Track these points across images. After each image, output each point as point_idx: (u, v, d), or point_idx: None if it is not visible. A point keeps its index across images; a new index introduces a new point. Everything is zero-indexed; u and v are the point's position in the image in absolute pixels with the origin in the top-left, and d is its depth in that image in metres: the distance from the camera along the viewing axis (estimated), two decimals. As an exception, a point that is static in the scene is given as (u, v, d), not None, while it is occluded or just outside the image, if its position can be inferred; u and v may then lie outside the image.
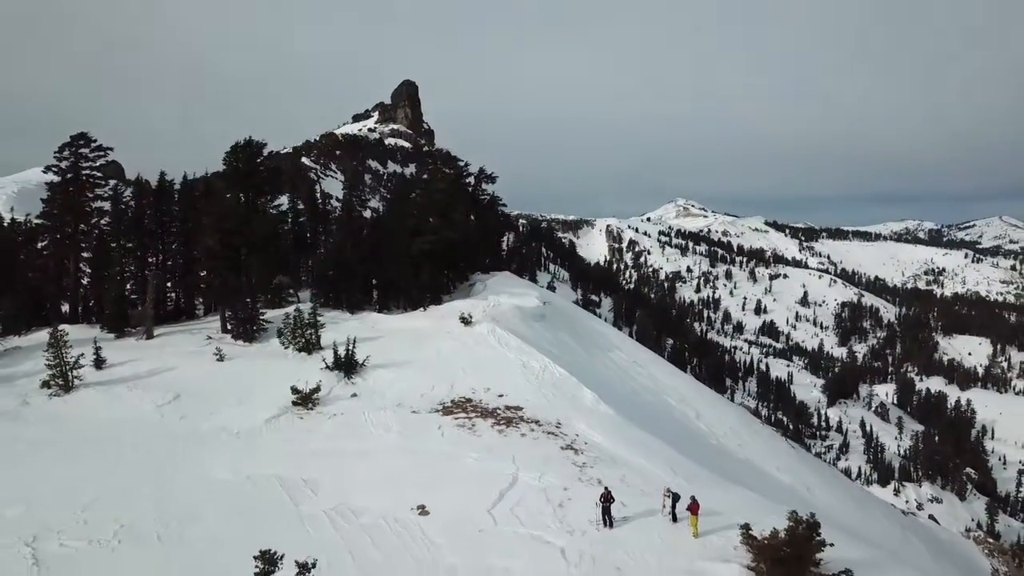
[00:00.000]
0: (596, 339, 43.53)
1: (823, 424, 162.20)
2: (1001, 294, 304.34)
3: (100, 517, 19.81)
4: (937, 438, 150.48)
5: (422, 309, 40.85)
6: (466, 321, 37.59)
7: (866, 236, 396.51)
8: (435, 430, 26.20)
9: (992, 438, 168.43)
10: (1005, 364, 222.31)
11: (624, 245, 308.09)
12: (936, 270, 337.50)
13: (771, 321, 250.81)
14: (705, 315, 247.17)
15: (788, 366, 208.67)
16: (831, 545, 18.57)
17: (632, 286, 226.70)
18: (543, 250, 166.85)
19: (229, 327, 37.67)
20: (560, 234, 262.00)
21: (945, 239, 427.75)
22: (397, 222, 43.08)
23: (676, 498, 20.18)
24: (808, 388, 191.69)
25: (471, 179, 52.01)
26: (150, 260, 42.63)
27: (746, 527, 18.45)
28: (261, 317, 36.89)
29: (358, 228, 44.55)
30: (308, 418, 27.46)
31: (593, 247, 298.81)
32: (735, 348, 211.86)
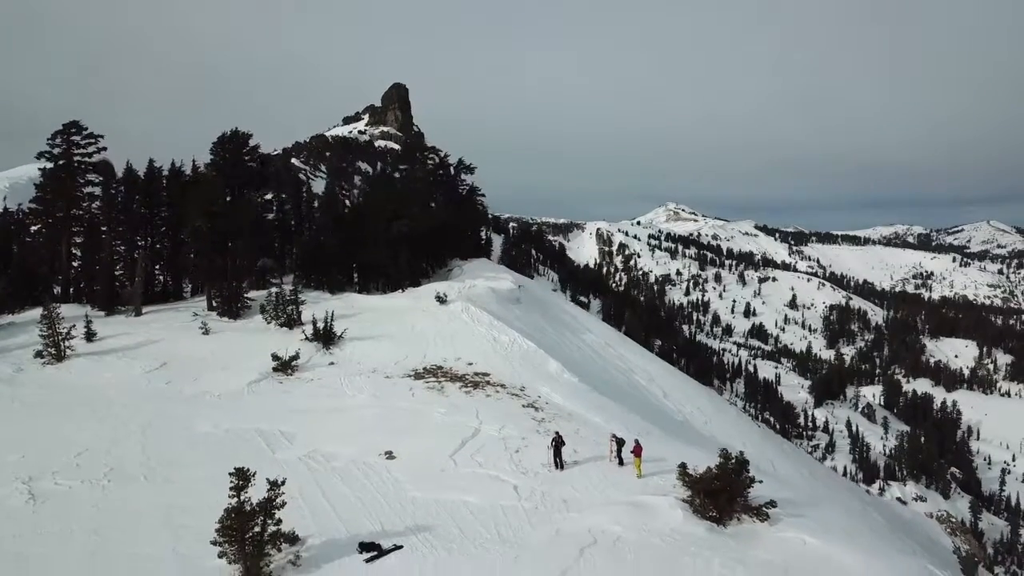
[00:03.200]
0: (568, 321, 45.36)
1: (810, 424, 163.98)
2: (988, 297, 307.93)
3: (91, 461, 21.47)
4: (923, 438, 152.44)
5: (400, 291, 42.61)
6: (441, 300, 39.37)
7: (855, 240, 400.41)
8: (406, 391, 27.97)
9: (977, 439, 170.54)
10: (991, 366, 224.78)
11: (614, 248, 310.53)
12: (924, 274, 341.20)
13: (760, 323, 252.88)
14: (694, 317, 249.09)
15: (776, 368, 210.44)
16: (759, 482, 20.41)
17: (622, 288, 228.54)
18: (533, 252, 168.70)
19: (215, 304, 39.31)
20: (551, 237, 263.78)
21: (934, 243, 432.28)
22: (377, 207, 44.82)
23: (621, 443, 21.99)
24: (796, 389, 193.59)
25: (451, 169, 53.87)
26: (139, 243, 44.26)
27: (683, 465, 20.23)
28: (245, 295, 38.57)
29: (340, 213, 46.19)
30: (287, 383, 29.17)
31: (583, 250, 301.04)
32: (724, 350, 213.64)
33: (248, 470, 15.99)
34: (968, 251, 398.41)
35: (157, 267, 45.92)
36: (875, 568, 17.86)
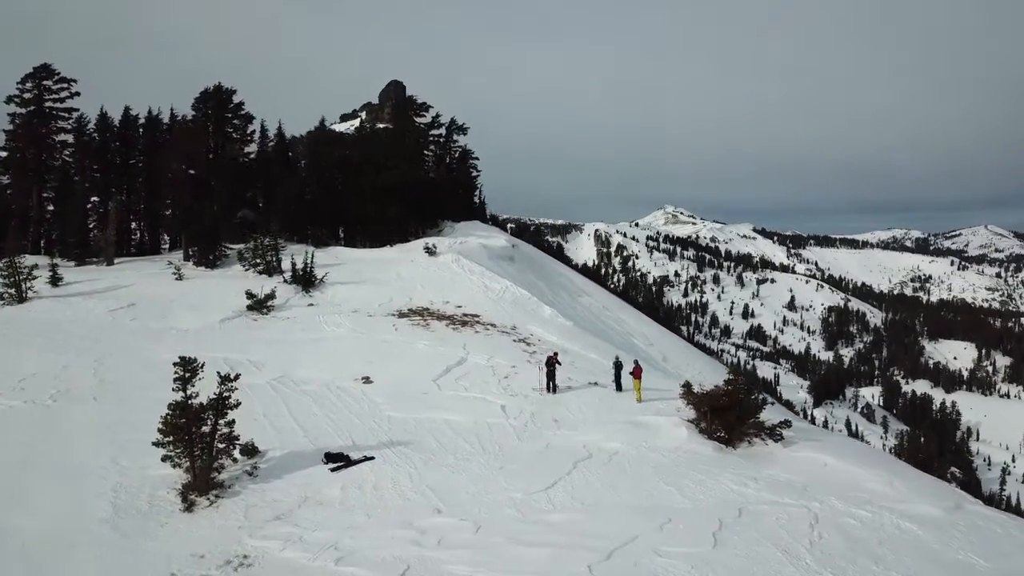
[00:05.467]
0: (564, 283, 43.44)
1: (809, 423, 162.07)
2: (987, 301, 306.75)
3: (39, 384, 19.58)
4: (922, 438, 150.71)
5: (388, 246, 40.66)
6: (430, 251, 37.46)
7: (853, 244, 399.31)
8: (389, 327, 26.09)
9: (977, 439, 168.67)
10: (990, 368, 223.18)
11: (612, 249, 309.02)
12: (922, 277, 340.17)
13: (758, 325, 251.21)
14: (693, 319, 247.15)
15: (775, 369, 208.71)
16: (771, 404, 18.54)
17: (620, 289, 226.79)
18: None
19: (191, 254, 37.38)
20: (549, 238, 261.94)
21: (932, 247, 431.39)
22: (365, 157, 42.87)
23: (620, 366, 20.10)
24: (795, 390, 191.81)
25: (443, 129, 52.03)
26: (113, 192, 42.17)
27: (687, 384, 18.37)
28: (224, 245, 36.67)
29: (325, 163, 44.24)
30: (261, 320, 27.24)
31: (581, 251, 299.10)
32: (722, 351, 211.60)
33: (194, 359, 14.11)
34: (966, 255, 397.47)
35: (134, 220, 43.85)
36: (899, 489, 16.01)
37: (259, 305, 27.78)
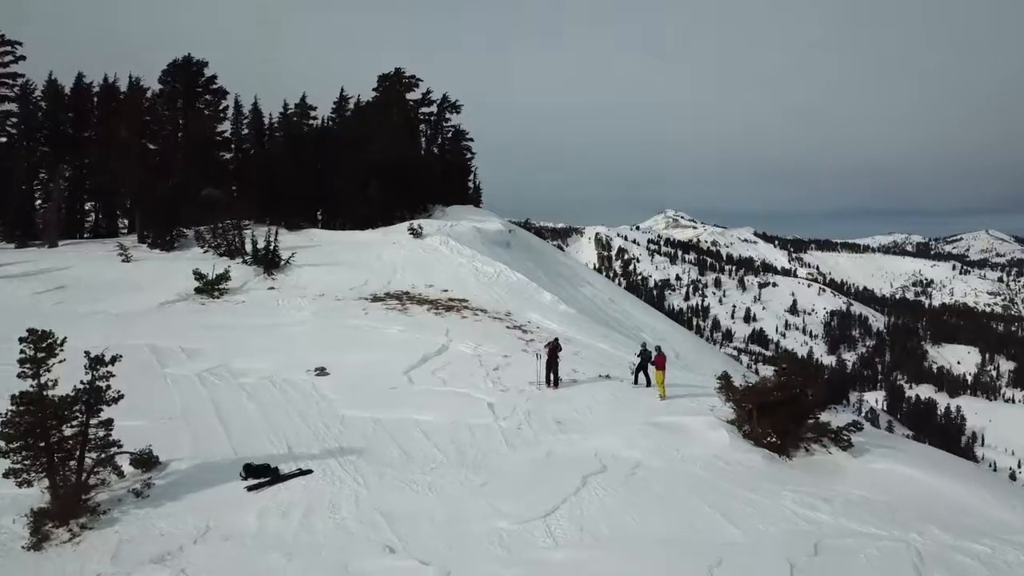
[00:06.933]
0: (565, 272, 39.28)
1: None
2: (989, 305, 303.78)
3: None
4: (927, 443, 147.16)
5: (371, 229, 36.50)
6: (416, 232, 33.38)
7: (855, 248, 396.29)
8: (358, 312, 22.06)
9: (982, 445, 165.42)
10: (994, 372, 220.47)
11: (613, 253, 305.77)
12: (924, 281, 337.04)
13: (760, 329, 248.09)
14: (694, 323, 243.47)
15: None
16: (831, 407, 14.59)
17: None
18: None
19: (146, 235, 33.31)
20: (549, 241, 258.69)
21: (933, 252, 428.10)
22: (346, 130, 38.73)
23: (648, 356, 15.96)
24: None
25: (434, 107, 47.82)
26: (65, 168, 37.86)
27: (725, 375, 14.38)
28: (183, 226, 32.62)
29: (300, 135, 40.17)
30: (211, 304, 23.23)
31: (582, 254, 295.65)
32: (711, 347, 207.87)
33: (49, 333, 10.14)
34: (967, 260, 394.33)
35: (90, 201, 39.53)
36: (992, 504, 12.09)
37: (210, 287, 23.76)
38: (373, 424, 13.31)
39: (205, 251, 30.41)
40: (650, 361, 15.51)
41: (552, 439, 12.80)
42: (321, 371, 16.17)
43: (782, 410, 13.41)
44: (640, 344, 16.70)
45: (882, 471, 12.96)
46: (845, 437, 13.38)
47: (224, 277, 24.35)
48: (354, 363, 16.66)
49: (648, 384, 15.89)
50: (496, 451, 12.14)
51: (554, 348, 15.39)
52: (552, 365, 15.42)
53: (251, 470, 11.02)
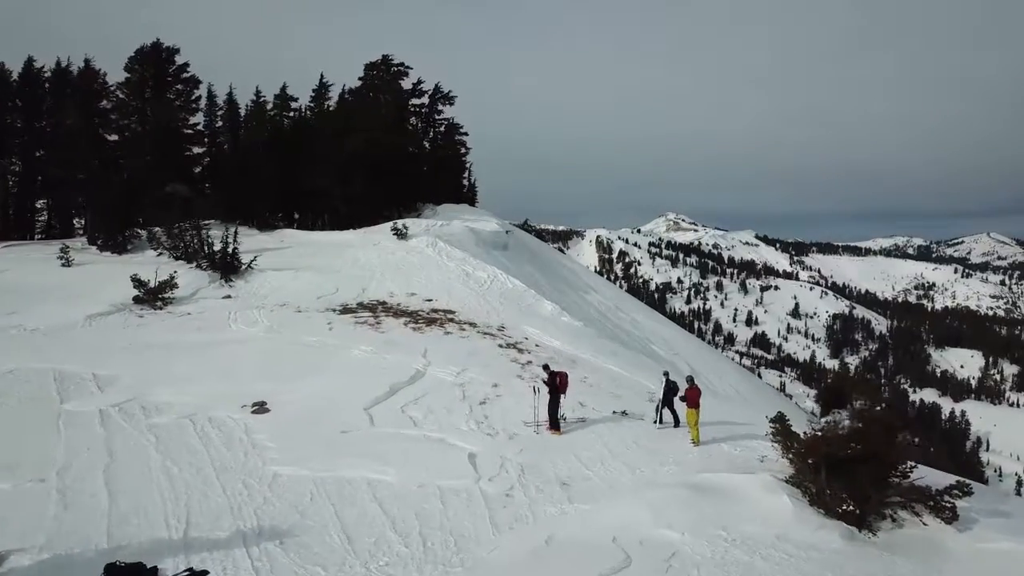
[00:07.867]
0: (567, 276, 35.93)
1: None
2: (991, 308, 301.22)
3: None
4: (932, 448, 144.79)
5: (352, 229, 32.96)
6: (400, 233, 29.89)
7: (856, 251, 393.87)
8: (322, 326, 18.65)
9: (987, 449, 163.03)
10: (998, 376, 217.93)
11: (614, 255, 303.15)
12: (926, 285, 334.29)
13: (762, 332, 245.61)
14: (696, 326, 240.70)
15: (780, 376, 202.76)
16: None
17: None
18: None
19: (97, 236, 29.81)
20: (550, 244, 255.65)
21: (934, 255, 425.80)
22: (326, 119, 35.15)
23: (674, 390, 12.50)
24: (801, 398, 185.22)
25: (425, 99, 44.15)
26: (12, 163, 34.19)
27: (781, 417, 10.92)
28: (140, 227, 29.13)
29: (274, 126, 36.63)
30: (150, 316, 19.77)
31: (582, 257, 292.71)
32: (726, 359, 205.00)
33: None
34: (969, 263, 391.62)
35: (43, 199, 35.83)
36: None
37: (152, 296, 20.33)
38: (312, 487, 9.86)
39: (159, 254, 26.95)
40: (677, 395, 12.06)
41: (555, 512, 9.34)
42: (260, 407, 12.71)
43: (863, 469, 9.98)
44: (663, 374, 13.24)
45: (998, 552, 9.55)
46: (948, 504, 9.95)
47: (169, 284, 20.90)
48: (303, 395, 13.23)
49: (676, 423, 12.48)
50: (476, 535, 8.67)
51: (558, 382, 11.88)
52: (554, 403, 11.94)
53: (112, 572, 7.57)
